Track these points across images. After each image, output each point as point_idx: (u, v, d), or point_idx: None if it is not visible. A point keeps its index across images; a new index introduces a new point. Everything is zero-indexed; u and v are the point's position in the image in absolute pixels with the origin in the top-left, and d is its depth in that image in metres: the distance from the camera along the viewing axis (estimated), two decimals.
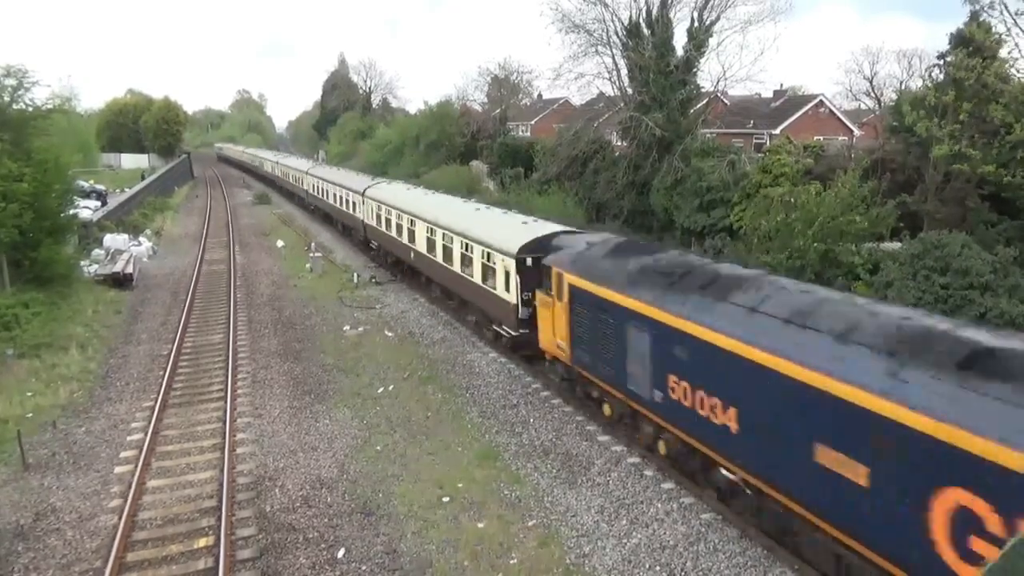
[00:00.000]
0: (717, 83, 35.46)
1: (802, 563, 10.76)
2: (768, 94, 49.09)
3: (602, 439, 15.14)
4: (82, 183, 40.67)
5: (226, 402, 16.48)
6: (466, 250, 21.11)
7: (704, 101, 36.19)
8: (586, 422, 15.98)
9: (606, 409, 14.78)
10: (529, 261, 17.39)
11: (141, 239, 37.10)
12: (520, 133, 61.59)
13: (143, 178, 62.16)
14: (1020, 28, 21.56)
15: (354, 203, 35.65)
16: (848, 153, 27.93)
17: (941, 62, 23.76)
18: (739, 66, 53.33)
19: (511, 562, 10.92)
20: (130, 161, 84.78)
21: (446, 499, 12.67)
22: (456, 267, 22.11)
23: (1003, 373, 7.40)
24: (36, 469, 13.68)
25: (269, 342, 21.67)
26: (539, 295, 16.53)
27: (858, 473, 8.30)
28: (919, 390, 7.73)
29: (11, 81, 26.59)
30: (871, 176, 23.91)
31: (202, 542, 11.28)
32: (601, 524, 11.94)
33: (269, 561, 10.90)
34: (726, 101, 48.20)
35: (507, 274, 18.08)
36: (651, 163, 32.48)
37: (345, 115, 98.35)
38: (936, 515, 7.46)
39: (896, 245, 21.87)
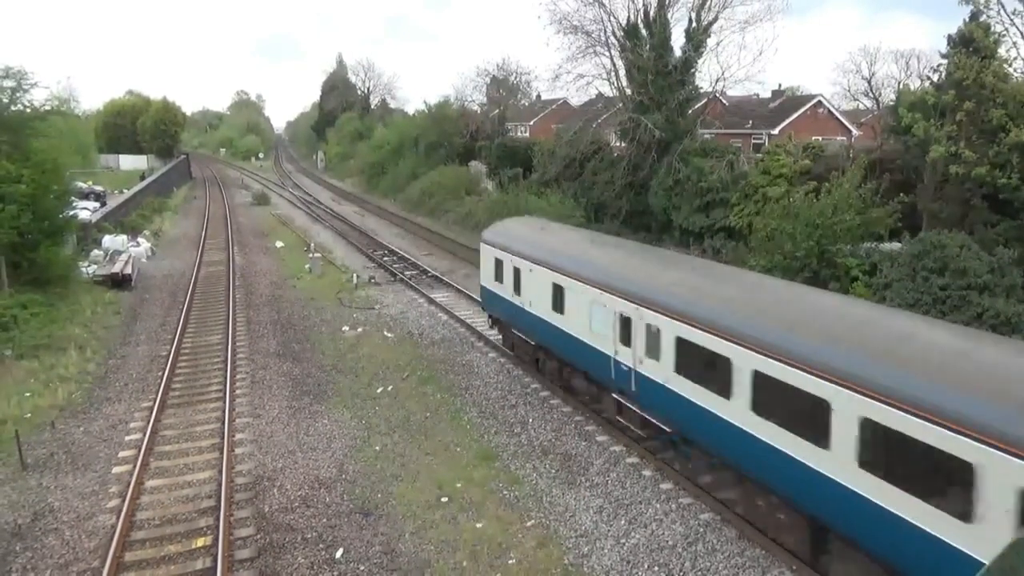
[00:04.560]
0: (715, 83, 35.46)
1: (800, 564, 10.77)
2: (767, 94, 49.15)
3: (601, 439, 15.16)
4: (80, 184, 40.66)
5: (225, 402, 16.47)
6: None
7: (703, 101, 36.20)
8: (585, 422, 16.00)
9: None
10: None
11: (140, 240, 37.06)
12: (519, 134, 61.62)
13: (142, 179, 62.15)
14: (1018, 28, 21.62)
15: None
16: (847, 153, 27.94)
17: (944, 62, 23.76)
18: (738, 66, 53.18)
19: (509, 562, 10.92)
20: (129, 162, 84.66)
21: (445, 499, 12.67)
22: None
23: None
24: (34, 469, 13.67)
25: (268, 343, 21.66)
26: None
27: None
28: None
29: (9, 83, 26.61)
30: (870, 177, 23.93)
31: (200, 542, 11.28)
32: (600, 524, 11.94)
33: (267, 561, 10.89)
34: (724, 101, 48.18)
35: None
36: (650, 164, 32.50)
37: (343, 116, 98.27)
38: None
39: (895, 245, 21.88)
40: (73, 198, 30.33)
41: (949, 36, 23.63)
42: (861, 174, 23.53)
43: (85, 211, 36.11)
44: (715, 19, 32.95)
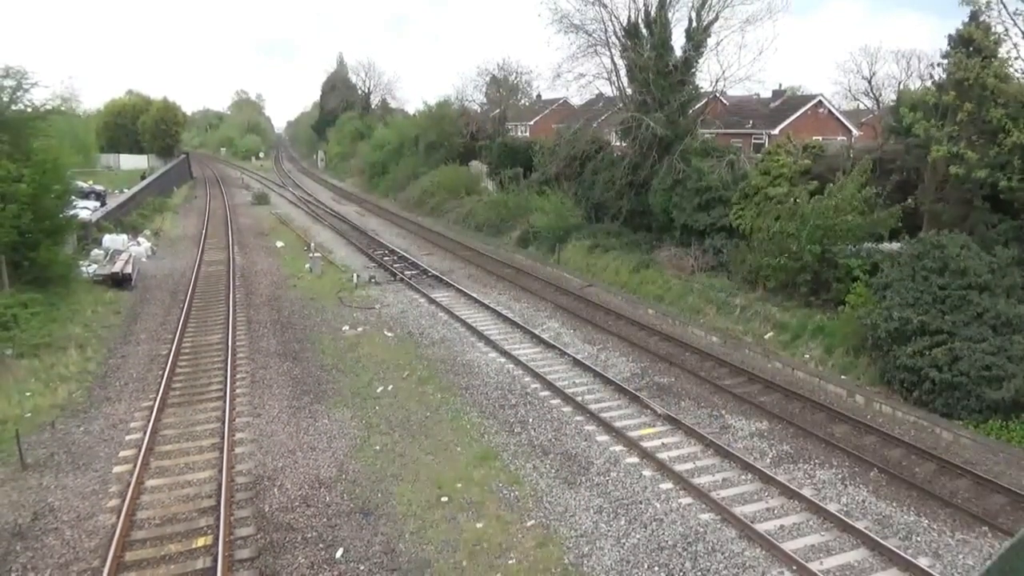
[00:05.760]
0: (716, 83, 35.38)
1: (800, 564, 10.78)
2: (767, 94, 49.13)
3: (601, 439, 15.17)
4: (81, 184, 40.58)
5: (225, 402, 16.47)
6: None
7: (703, 101, 36.16)
8: (585, 422, 16.02)
9: None
10: None
11: (140, 239, 37.06)
12: (519, 133, 61.57)
13: (142, 178, 62.10)
14: (1019, 28, 21.57)
15: None
16: (847, 153, 27.88)
17: (945, 62, 23.74)
18: (738, 66, 53.20)
19: (509, 562, 10.92)
20: (129, 162, 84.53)
21: (445, 499, 12.68)
22: None
23: None
24: (35, 469, 13.67)
25: (268, 342, 21.66)
26: None
27: None
28: None
29: (10, 82, 26.60)
30: (872, 178, 23.88)
31: (200, 542, 11.29)
32: (600, 524, 11.95)
33: (267, 561, 10.90)
34: (725, 101, 48.20)
35: None
36: (650, 163, 32.45)
37: (344, 115, 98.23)
38: None
39: (895, 246, 21.88)
40: (73, 197, 30.30)
41: (949, 36, 23.61)
42: (866, 175, 23.52)
43: (85, 210, 36.05)
44: (715, 19, 32.87)
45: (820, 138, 34.35)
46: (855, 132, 44.75)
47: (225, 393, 17.05)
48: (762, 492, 13.19)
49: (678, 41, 33.74)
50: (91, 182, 49.31)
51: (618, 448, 14.76)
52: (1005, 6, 21.17)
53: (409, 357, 20.34)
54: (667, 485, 13.24)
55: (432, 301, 26.61)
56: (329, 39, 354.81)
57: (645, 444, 14.77)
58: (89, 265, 29.75)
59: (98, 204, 42.62)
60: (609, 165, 35.65)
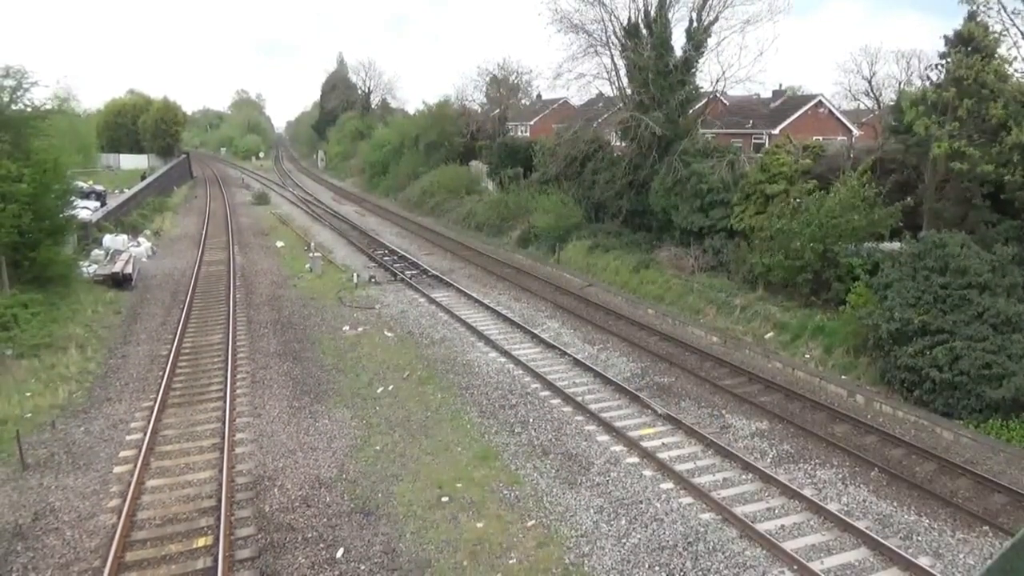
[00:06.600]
0: (716, 83, 35.40)
1: (801, 564, 10.78)
2: (767, 94, 49.08)
3: (601, 439, 15.17)
4: (81, 184, 40.58)
5: (225, 402, 16.47)
6: None
7: (703, 101, 36.15)
8: (585, 422, 16.02)
9: None
10: None
11: (140, 239, 37.06)
12: (519, 133, 61.54)
13: (143, 178, 62.09)
14: (1018, 27, 21.56)
15: None
16: (848, 153, 27.87)
17: (943, 61, 23.76)
18: (738, 66, 53.29)
19: (510, 562, 10.92)
20: (129, 161, 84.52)
21: (445, 499, 12.68)
22: None
23: None
24: (35, 469, 13.68)
25: (268, 342, 21.67)
26: None
27: None
28: None
29: (10, 82, 26.59)
30: (872, 177, 23.87)
31: (201, 542, 11.29)
32: (600, 524, 11.95)
33: (268, 561, 10.90)
34: (725, 101, 48.18)
35: None
36: (650, 163, 32.46)
37: (344, 115, 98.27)
38: None
39: (896, 245, 21.87)
40: (74, 197, 30.31)
41: (946, 36, 23.63)
42: (867, 175, 23.53)
43: (86, 210, 36.06)
44: (716, 19, 32.87)
45: (820, 138, 34.32)
46: (855, 132, 44.69)
47: (225, 393, 17.05)
48: (763, 492, 13.19)
49: (678, 41, 33.75)
50: (91, 182, 49.29)
51: (618, 448, 14.76)
52: (1004, 6, 21.16)
53: (409, 357, 20.34)
54: (667, 485, 13.25)
55: (432, 301, 26.62)
56: (329, 39, 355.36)
57: (645, 444, 14.77)
58: (89, 265, 29.75)
59: (98, 204, 42.60)
60: (609, 165, 35.65)
